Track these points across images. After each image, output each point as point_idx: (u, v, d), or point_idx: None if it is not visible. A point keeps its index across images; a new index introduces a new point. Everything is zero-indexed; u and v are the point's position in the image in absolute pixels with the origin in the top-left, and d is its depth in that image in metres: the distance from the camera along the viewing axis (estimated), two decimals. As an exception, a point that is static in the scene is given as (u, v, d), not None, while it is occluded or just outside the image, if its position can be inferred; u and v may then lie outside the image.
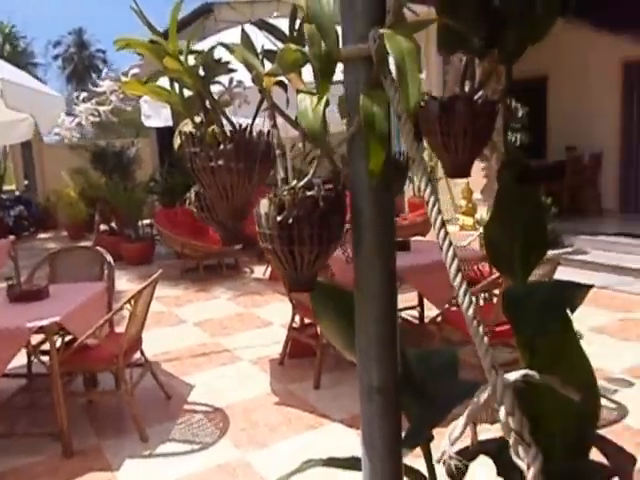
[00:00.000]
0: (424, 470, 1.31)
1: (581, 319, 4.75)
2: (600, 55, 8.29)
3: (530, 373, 0.82)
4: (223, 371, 4.18)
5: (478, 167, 7.64)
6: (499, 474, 1.31)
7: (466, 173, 1.34)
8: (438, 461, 0.83)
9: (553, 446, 1.35)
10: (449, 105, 1.27)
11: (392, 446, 1.06)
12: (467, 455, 1.37)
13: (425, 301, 4.54)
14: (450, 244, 0.82)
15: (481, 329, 0.80)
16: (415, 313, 4.79)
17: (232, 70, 1.12)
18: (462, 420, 0.80)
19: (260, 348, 4.56)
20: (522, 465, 0.75)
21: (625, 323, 4.71)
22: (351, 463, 1.20)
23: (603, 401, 3.44)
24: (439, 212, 0.83)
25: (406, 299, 4.72)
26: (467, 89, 1.33)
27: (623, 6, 2.81)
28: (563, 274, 6.16)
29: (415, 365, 1.45)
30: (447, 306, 3.84)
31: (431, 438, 1.31)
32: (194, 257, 7.26)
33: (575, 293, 1.37)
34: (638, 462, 1.38)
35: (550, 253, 6.51)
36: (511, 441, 0.76)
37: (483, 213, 7.99)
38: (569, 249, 6.81)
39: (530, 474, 0.74)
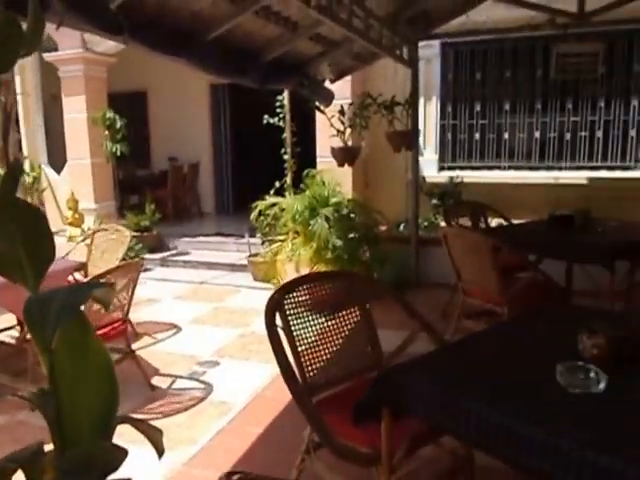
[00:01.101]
0: None
1: (184, 312, 5.21)
2: (191, 75, 9.04)
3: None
4: None
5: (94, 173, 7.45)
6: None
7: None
8: None
9: (80, 433, 1.45)
10: None
11: None
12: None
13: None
14: None
15: None
16: (15, 333, 4.43)
17: None
18: None
19: None
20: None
21: (218, 311, 5.31)
22: None
23: (193, 383, 3.83)
24: None
25: (6, 320, 4.34)
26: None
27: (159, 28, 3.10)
28: (170, 274, 6.62)
29: None
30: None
31: None
32: None
33: (86, 293, 1.49)
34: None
35: (158, 256, 6.74)
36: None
37: (90, 223, 7.82)
38: (174, 251, 7.30)
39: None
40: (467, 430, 1.43)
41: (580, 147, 6.51)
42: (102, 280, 3.54)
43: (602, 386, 1.48)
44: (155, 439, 1.63)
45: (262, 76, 4.46)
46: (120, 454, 1.47)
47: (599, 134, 6.43)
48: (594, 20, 5.12)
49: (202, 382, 3.84)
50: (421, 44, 6.04)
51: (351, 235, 5.15)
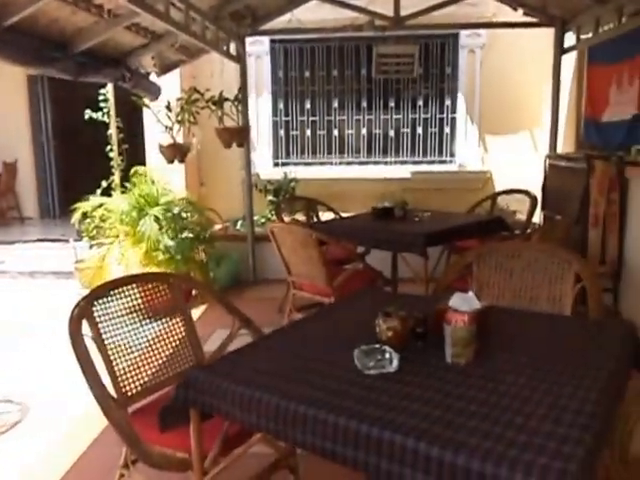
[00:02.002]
0: None
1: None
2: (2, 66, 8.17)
3: None
4: None
5: None
6: None
7: None
8: None
9: None
10: None
11: None
12: None
13: None
14: None
15: None
16: None
17: None
18: None
19: None
20: None
21: (38, 323, 4.84)
22: None
23: (7, 406, 3.45)
24: None
25: None
26: None
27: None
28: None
29: None
30: None
31: None
32: None
33: None
34: None
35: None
36: None
37: None
38: (-13, 261, 6.56)
39: None
40: (268, 423, 1.43)
41: (403, 143, 6.98)
42: None
43: (395, 365, 1.56)
44: None
45: (76, 67, 4.15)
46: None
47: (419, 131, 6.94)
48: (408, 24, 5.49)
49: (17, 404, 3.48)
50: (251, 40, 6.05)
51: (184, 235, 5.00)
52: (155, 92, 5.35)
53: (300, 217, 5.59)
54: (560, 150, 5.75)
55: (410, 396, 1.40)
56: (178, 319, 2.41)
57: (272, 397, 1.43)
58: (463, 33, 6.62)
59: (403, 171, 6.81)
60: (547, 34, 5.63)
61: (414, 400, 1.38)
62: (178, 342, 2.40)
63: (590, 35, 5.03)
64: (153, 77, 5.64)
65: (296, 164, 6.99)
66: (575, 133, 5.93)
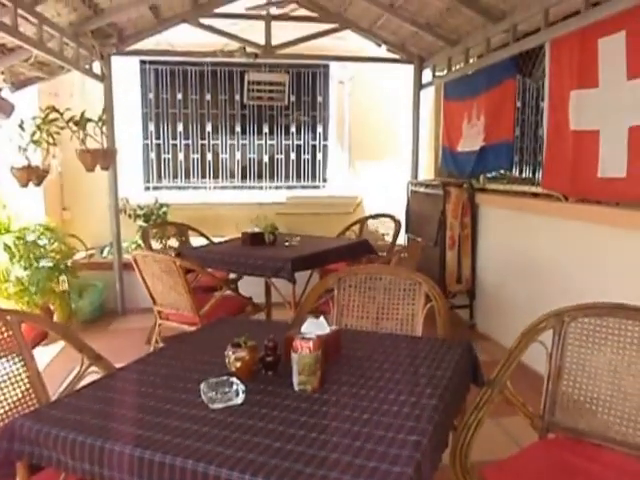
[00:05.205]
0: None
1: None
2: None
3: None
4: None
5: None
6: None
7: None
8: None
9: None
10: None
11: None
12: None
13: None
14: None
15: None
16: None
17: None
18: None
19: None
20: None
21: None
22: None
23: None
24: None
25: None
26: None
27: None
28: None
29: None
30: None
31: None
32: None
33: None
34: None
35: None
36: None
37: None
38: None
39: None
40: (101, 470, 1.33)
41: (277, 168, 7.04)
42: None
43: (241, 397, 1.53)
44: None
45: None
46: None
47: (293, 156, 7.04)
48: (279, 53, 5.60)
49: None
50: (118, 59, 5.82)
51: (41, 264, 4.64)
52: (7, 110, 4.95)
53: (172, 243, 5.43)
54: (422, 177, 6.10)
55: (252, 429, 1.38)
56: (18, 362, 2.20)
57: (105, 442, 1.33)
58: (333, 65, 6.86)
59: (278, 196, 6.85)
60: (408, 70, 6.01)
61: (256, 433, 1.35)
62: (19, 387, 2.19)
63: (444, 72, 5.43)
64: (6, 93, 5.23)
65: (169, 188, 6.80)
66: (434, 161, 6.33)
